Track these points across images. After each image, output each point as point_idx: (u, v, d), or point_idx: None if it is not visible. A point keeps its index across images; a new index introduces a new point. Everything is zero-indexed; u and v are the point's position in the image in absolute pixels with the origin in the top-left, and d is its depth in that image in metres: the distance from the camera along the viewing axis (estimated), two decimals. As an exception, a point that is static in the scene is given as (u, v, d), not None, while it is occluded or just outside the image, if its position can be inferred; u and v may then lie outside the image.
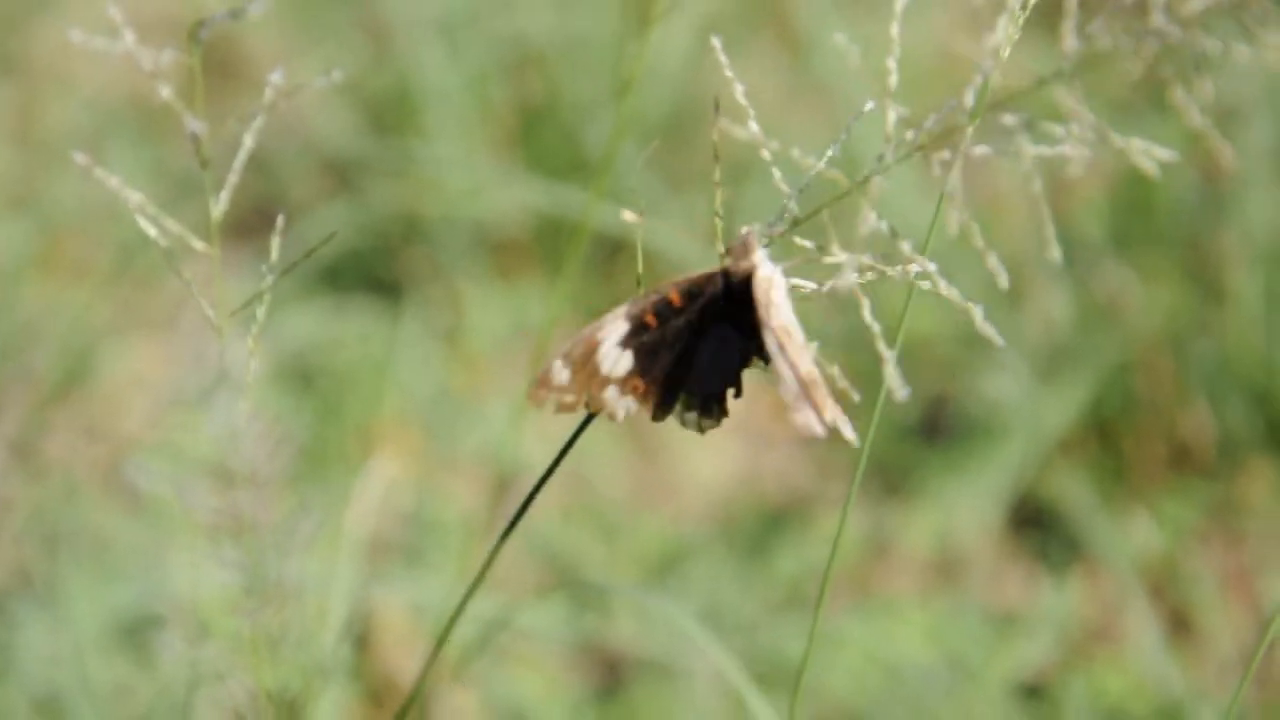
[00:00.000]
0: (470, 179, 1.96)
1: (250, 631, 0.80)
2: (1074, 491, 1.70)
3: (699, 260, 1.81)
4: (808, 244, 0.81)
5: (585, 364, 0.80)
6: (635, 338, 0.80)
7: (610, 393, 0.80)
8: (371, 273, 1.96)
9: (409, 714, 1.01)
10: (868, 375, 1.75)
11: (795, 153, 0.81)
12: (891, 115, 0.77)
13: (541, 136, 2.03)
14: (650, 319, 0.80)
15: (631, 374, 0.80)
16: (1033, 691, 1.59)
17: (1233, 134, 1.90)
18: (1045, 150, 0.76)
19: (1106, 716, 1.56)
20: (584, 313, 1.93)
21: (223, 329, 0.83)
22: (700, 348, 0.81)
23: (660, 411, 0.81)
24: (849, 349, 1.74)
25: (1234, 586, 1.71)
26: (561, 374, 0.80)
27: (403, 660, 1.60)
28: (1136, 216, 1.90)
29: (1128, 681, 1.58)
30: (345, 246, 1.94)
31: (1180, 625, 1.67)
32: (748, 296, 0.80)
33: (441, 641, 0.88)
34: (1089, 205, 1.91)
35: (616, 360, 0.80)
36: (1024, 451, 1.75)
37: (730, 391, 0.82)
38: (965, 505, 1.74)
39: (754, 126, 0.82)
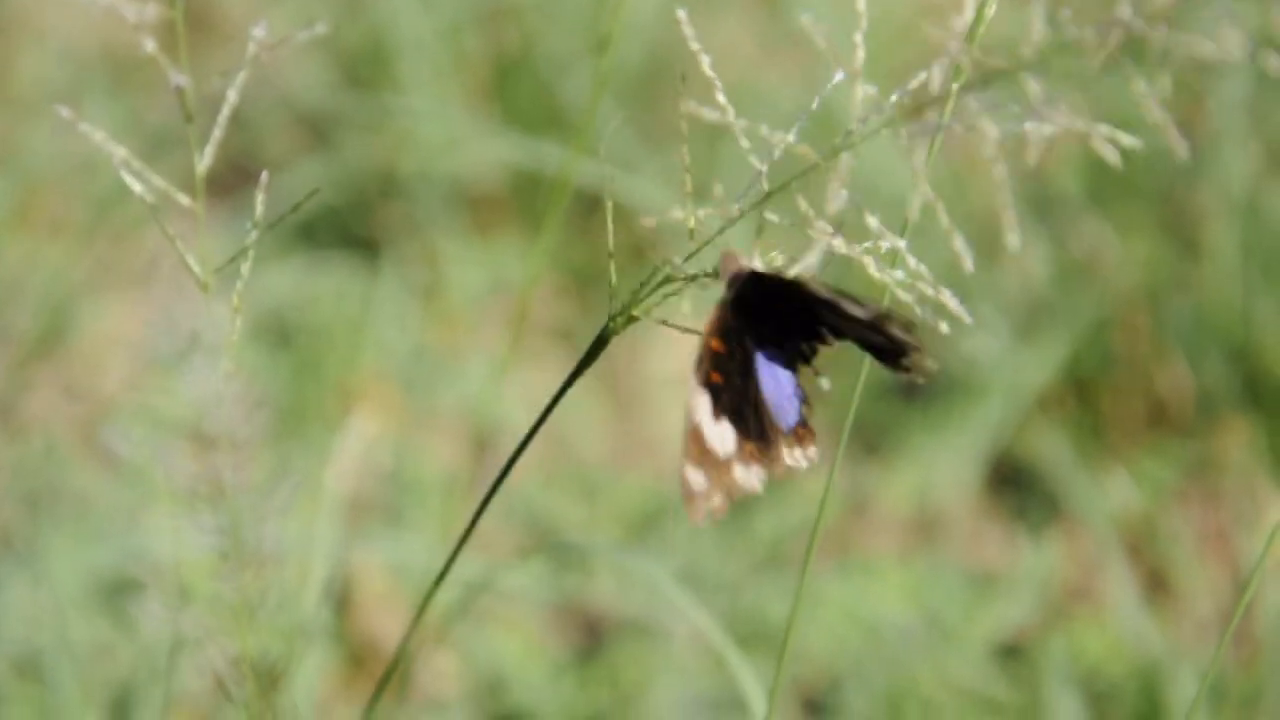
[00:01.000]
0: (446, 132, 1.95)
1: (230, 596, 0.80)
2: (1052, 450, 1.70)
3: (676, 218, 1.80)
4: (774, 218, 0.80)
5: (705, 455, 0.77)
6: (719, 404, 0.78)
7: (739, 472, 0.78)
8: (348, 229, 1.95)
9: (391, 678, 1.01)
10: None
11: (764, 130, 0.80)
12: (859, 91, 0.77)
13: (517, 89, 2.02)
14: (716, 377, 0.78)
15: (741, 442, 0.78)
16: (1011, 651, 1.60)
17: (1208, 88, 1.90)
18: (1012, 126, 0.76)
19: (1085, 676, 1.57)
20: (563, 269, 1.93)
21: (208, 286, 0.82)
22: (759, 385, 0.79)
23: (777, 465, 0.79)
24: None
25: (1211, 545, 1.72)
26: (698, 479, 0.77)
27: (383, 621, 1.60)
28: (1113, 173, 1.90)
29: (1106, 641, 1.58)
30: (321, 203, 1.93)
31: (1158, 584, 1.68)
32: (762, 304, 0.79)
33: (424, 605, 0.88)
34: (1066, 161, 1.91)
35: (722, 438, 0.78)
36: (1002, 410, 1.75)
37: (804, 408, 0.80)
38: (944, 464, 1.74)
39: (721, 99, 0.81)
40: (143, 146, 1.93)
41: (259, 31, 0.83)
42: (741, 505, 1.70)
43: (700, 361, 0.76)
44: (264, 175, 0.84)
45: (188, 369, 0.77)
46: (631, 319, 0.82)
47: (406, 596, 1.60)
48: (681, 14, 0.83)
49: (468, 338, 1.87)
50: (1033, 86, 0.75)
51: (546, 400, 1.85)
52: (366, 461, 1.69)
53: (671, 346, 1.88)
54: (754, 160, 0.80)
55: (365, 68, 2.03)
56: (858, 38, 0.80)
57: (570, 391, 1.90)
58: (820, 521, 0.92)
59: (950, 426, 1.75)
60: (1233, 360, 1.78)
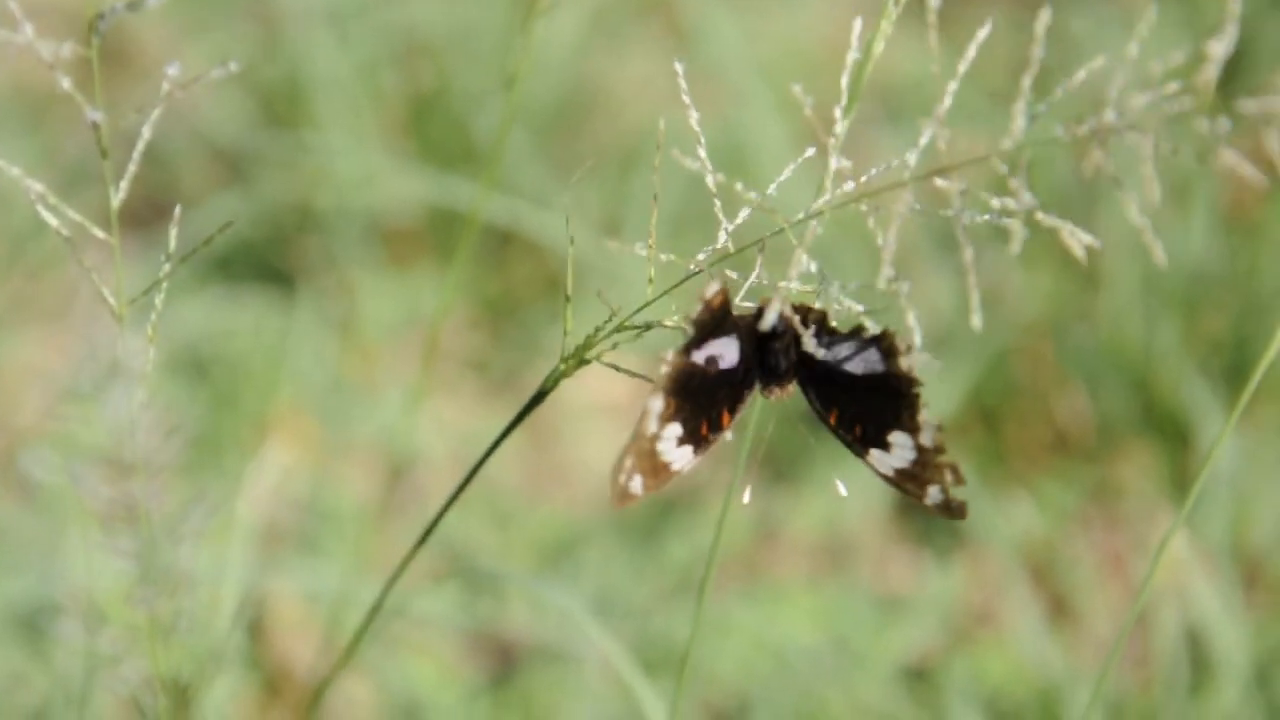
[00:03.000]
0: (362, 168, 1.97)
1: (145, 619, 0.82)
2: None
3: (589, 254, 1.83)
4: (733, 275, 0.83)
5: (657, 468, 0.80)
6: (679, 420, 0.81)
7: (676, 464, 0.81)
8: (264, 262, 1.97)
9: (313, 705, 1.03)
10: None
11: (748, 191, 0.82)
12: (832, 163, 0.79)
13: (432, 125, 2.04)
14: (674, 399, 0.81)
15: (694, 450, 0.81)
16: (917, 673, 1.63)
17: (1105, 152, 1.93)
18: (986, 217, 0.79)
19: (988, 697, 1.60)
20: (476, 302, 1.95)
21: (122, 317, 0.84)
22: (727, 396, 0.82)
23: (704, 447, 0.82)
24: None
25: (1111, 568, 1.75)
26: (638, 485, 0.80)
27: (297, 648, 1.61)
28: (1016, 218, 1.94)
29: (1008, 663, 1.61)
30: (238, 237, 1.95)
31: (1060, 608, 1.71)
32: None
33: (359, 637, 0.90)
34: (969, 195, 1.95)
35: (680, 455, 0.81)
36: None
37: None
38: (852, 491, 1.77)
39: (702, 155, 0.83)
40: (57, 182, 1.94)
41: (172, 70, 0.85)
42: (653, 531, 1.72)
43: (667, 379, 0.79)
44: (177, 209, 0.87)
45: (105, 397, 0.79)
46: (584, 362, 0.84)
47: (320, 624, 1.61)
48: (678, 67, 0.86)
49: (383, 369, 1.89)
50: (1011, 182, 0.78)
51: (459, 431, 1.87)
52: (282, 491, 1.71)
53: (585, 379, 1.91)
54: (722, 217, 0.82)
55: (282, 104, 2.05)
56: (837, 112, 0.82)
57: (487, 422, 1.92)
58: (717, 544, 0.94)
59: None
60: (1132, 388, 1.82)
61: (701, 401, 0.80)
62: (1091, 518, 1.79)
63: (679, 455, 0.80)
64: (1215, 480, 1.66)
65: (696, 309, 0.79)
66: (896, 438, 0.80)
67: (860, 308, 0.82)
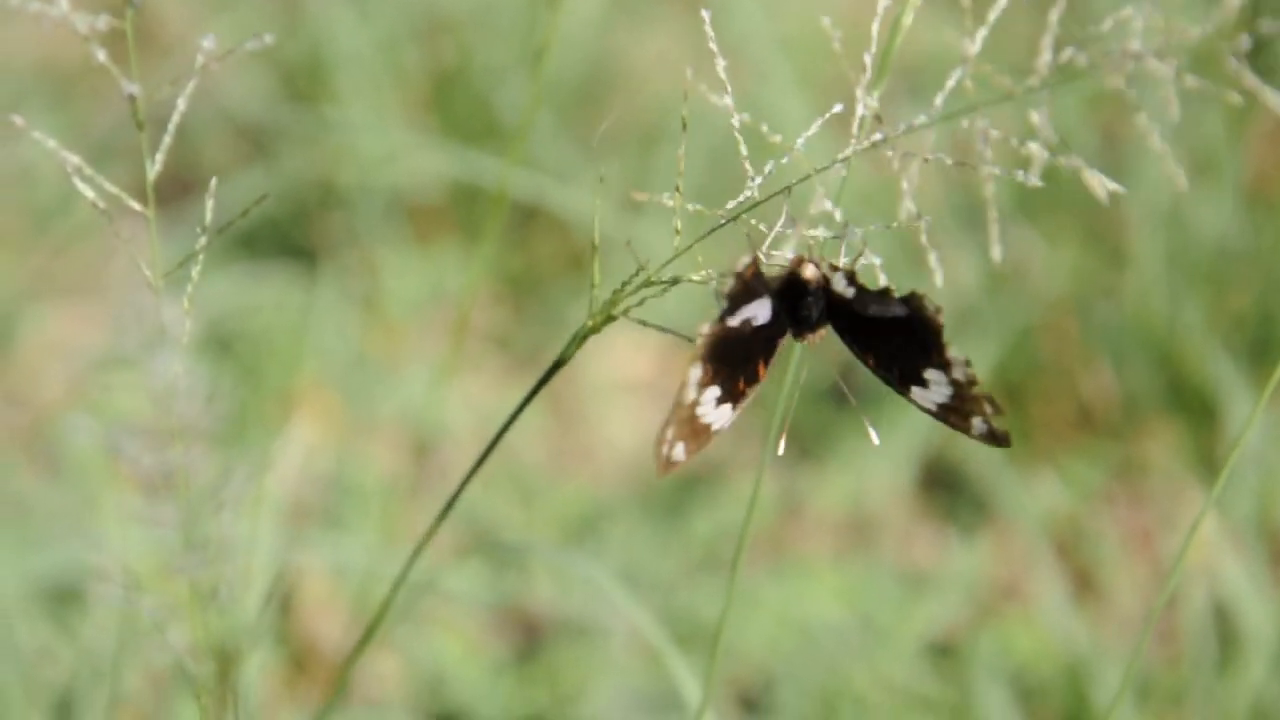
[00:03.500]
0: (384, 145, 1.97)
1: (187, 587, 0.82)
2: (982, 453, 1.73)
3: (611, 227, 1.83)
4: (763, 227, 0.83)
5: (696, 430, 0.82)
6: (718, 380, 0.82)
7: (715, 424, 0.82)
8: (287, 239, 1.97)
9: (341, 681, 1.03)
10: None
11: (777, 136, 0.82)
12: (859, 109, 0.80)
13: (454, 102, 2.04)
14: (714, 359, 0.82)
15: (731, 406, 0.83)
16: (942, 650, 1.63)
17: (1137, 94, 1.93)
18: (998, 170, 0.79)
19: (1014, 673, 1.59)
20: (499, 278, 1.95)
21: (158, 287, 0.84)
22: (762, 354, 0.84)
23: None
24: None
25: (1137, 545, 1.75)
26: (680, 450, 0.81)
27: (324, 624, 1.62)
28: (1038, 176, 1.93)
29: (1035, 639, 1.61)
30: (261, 213, 1.95)
31: (1085, 584, 1.71)
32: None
33: (385, 609, 0.90)
34: (990, 165, 1.94)
35: (719, 414, 0.83)
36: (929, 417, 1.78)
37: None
38: (876, 468, 1.77)
39: (728, 101, 0.84)
40: (85, 158, 1.94)
41: (207, 43, 0.85)
42: (677, 507, 1.72)
43: (704, 347, 0.80)
44: (213, 181, 0.87)
45: (147, 365, 0.79)
46: (610, 318, 0.85)
47: (347, 600, 1.62)
48: (707, 20, 0.87)
49: (407, 346, 1.89)
50: (1034, 117, 0.78)
51: (483, 407, 1.87)
52: (307, 468, 1.71)
53: (608, 356, 1.91)
54: (749, 168, 0.83)
55: (304, 81, 2.05)
56: (866, 58, 0.83)
57: (511, 398, 1.92)
58: (749, 522, 0.94)
59: (882, 431, 1.78)
60: (1157, 365, 1.82)
61: (738, 359, 0.81)
62: (1117, 494, 1.79)
63: (718, 415, 0.81)
64: (1242, 457, 1.65)
65: (729, 282, 0.81)
66: (931, 374, 0.83)
67: (878, 260, 0.83)
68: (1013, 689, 1.57)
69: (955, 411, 0.83)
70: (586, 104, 2.07)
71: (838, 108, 0.84)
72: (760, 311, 0.82)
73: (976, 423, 0.83)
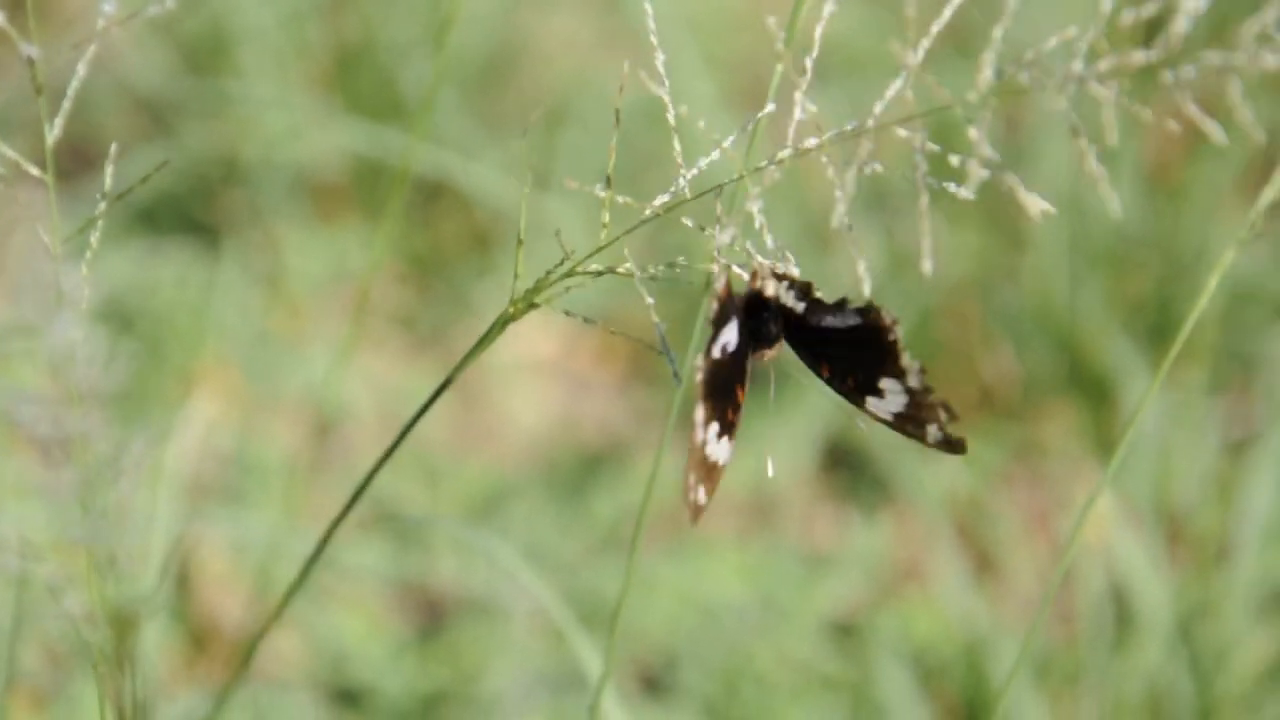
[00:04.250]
0: (287, 120, 1.96)
1: (85, 555, 0.81)
2: (882, 434, 1.74)
3: (514, 207, 1.82)
4: (689, 222, 0.83)
5: (708, 470, 0.81)
6: (716, 417, 0.82)
7: (721, 460, 0.82)
8: (189, 215, 1.95)
9: (246, 659, 1.03)
10: (684, 320, 1.78)
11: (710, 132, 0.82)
12: (798, 113, 0.80)
13: (358, 78, 2.03)
14: (710, 393, 0.81)
15: (729, 440, 0.82)
16: (843, 629, 1.64)
17: (1036, 83, 1.94)
18: (933, 182, 0.79)
19: (915, 652, 1.61)
20: (403, 257, 1.94)
21: (58, 254, 0.84)
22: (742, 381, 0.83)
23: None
24: (671, 296, 1.77)
25: (1035, 526, 1.77)
26: (701, 493, 0.81)
27: (224, 602, 1.61)
28: (943, 165, 1.95)
29: (935, 619, 1.62)
30: (161, 188, 1.93)
31: (985, 564, 1.72)
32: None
33: (294, 589, 0.89)
34: (897, 154, 1.96)
35: (721, 450, 0.82)
36: (832, 396, 1.79)
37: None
38: (778, 448, 1.78)
39: (665, 93, 0.83)
40: (-20, 130, 1.92)
41: (108, 6, 0.84)
42: (579, 488, 1.72)
43: (703, 385, 0.79)
44: (113, 146, 0.86)
45: (45, 331, 0.79)
46: (533, 306, 0.84)
47: (247, 578, 1.61)
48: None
49: (309, 324, 1.88)
50: (972, 132, 0.78)
51: (386, 386, 1.86)
52: (208, 444, 1.70)
53: (514, 336, 1.90)
54: (680, 162, 0.82)
55: (205, 55, 2.03)
56: (808, 62, 0.83)
57: (414, 378, 1.91)
58: (647, 501, 0.94)
59: (784, 411, 1.79)
60: (1057, 348, 1.83)
61: (724, 390, 0.81)
62: (1016, 475, 1.80)
63: (721, 450, 0.81)
64: (1139, 438, 1.67)
65: (711, 307, 0.80)
66: (887, 384, 0.82)
67: (793, 262, 0.83)
68: (913, 668, 1.58)
69: (911, 420, 0.83)
70: (491, 82, 2.06)
71: (771, 107, 0.84)
72: (731, 335, 0.81)
73: (932, 430, 0.83)
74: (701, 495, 0.80)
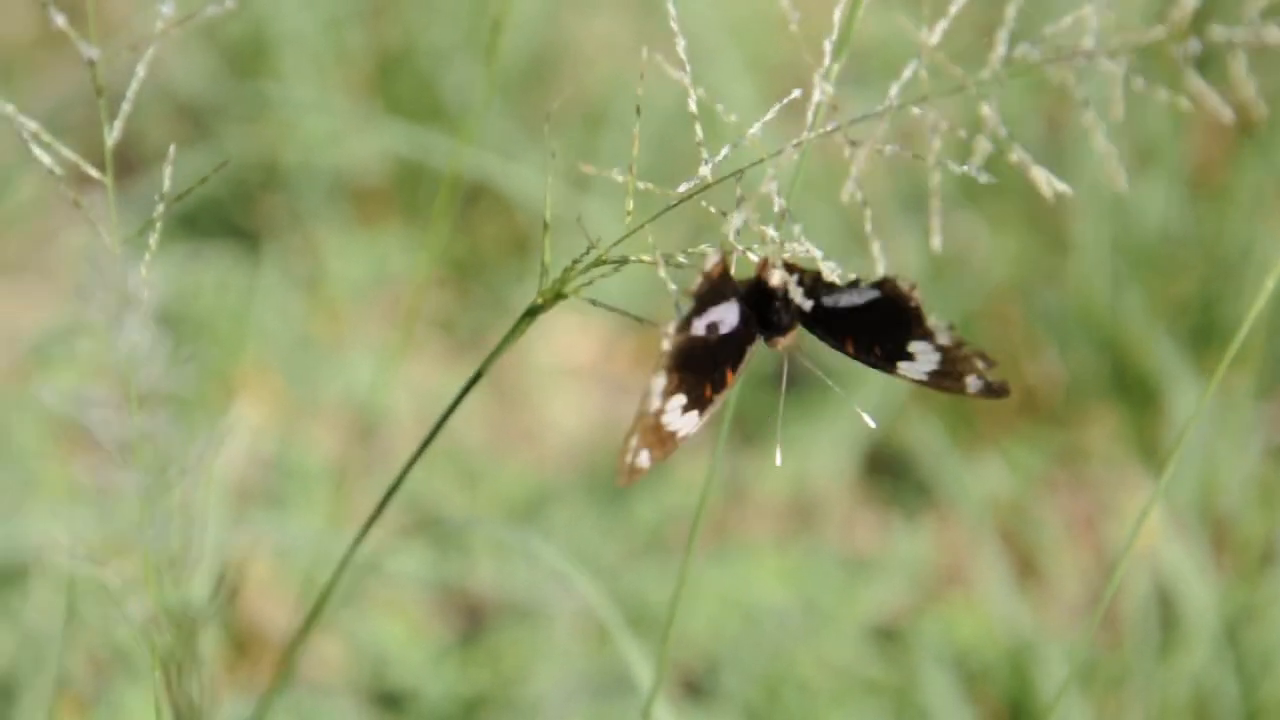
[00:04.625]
0: (329, 124, 1.96)
1: (143, 557, 0.81)
2: (925, 438, 1.74)
3: (557, 207, 1.82)
4: (713, 209, 0.82)
5: (662, 438, 0.81)
6: (682, 388, 0.81)
7: (680, 431, 0.81)
8: (230, 220, 1.96)
9: (288, 663, 1.03)
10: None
11: (733, 116, 0.82)
12: (816, 95, 0.79)
13: (398, 83, 2.03)
14: (678, 365, 0.81)
15: (697, 414, 0.82)
16: (886, 634, 1.63)
17: (1085, 91, 1.94)
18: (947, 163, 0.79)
19: (957, 657, 1.60)
20: (443, 262, 1.94)
21: (118, 254, 0.84)
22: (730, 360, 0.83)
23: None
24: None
25: (1079, 530, 1.76)
26: (645, 457, 0.80)
27: (267, 608, 1.61)
28: (984, 167, 1.94)
29: (978, 623, 1.62)
30: (202, 193, 1.94)
31: (1028, 569, 1.72)
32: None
33: (330, 589, 0.89)
34: (937, 156, 1.95)
35: (684, 421, 0.81)
36: (877, 399, 1.78)
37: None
38: (820, 452, 1.77)
39: (686, 80, 0.83)
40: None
41: (166, 9, 0.84)
42: (621, 492, 1.72)
43: (668, 357, 0.79)
44: (172, 148, 0.86)
45: (110, 331, 0.79)
46: (560, 296, 0.84)
47: (290, 583, 1.61)
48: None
49: (350, 328, 1.88)
50: (985, 110, 0.78)
51: (426, 390, 1.86)
52: (251, 450, 1.70)
53: (552, 339, 1.90)
54: (704, 150, 0.82)
55: (247, 60, 2.04)
56: (826, 45, 0.82)
57: (454, 381, 1.91)
58: (702, 507, 0.94)
59: (826, 415, 1.78)
60: (1100, 351, 1.83)
61: (704, 366, 0.80)
62: (1059, 480, 1.79)
63: (684, 422, 0.81)
64: (1185, 443, 1.66)
65: (696, 281, 0.80)
66: (916, 346, 0.82)
67: (819, 252, 0.82)
68: (956, 673, 1.57)
69: (947, 375, 0.82)
70: (531, 86, 2.06)
71: (796, 93, 0.83)
72: (728, 315, 0.81)
73: (971, 380, 0.82)
74: (644, 458, 0.80)
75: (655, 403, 0.79)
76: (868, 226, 0.81)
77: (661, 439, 0.80)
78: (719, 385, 0.81)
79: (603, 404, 1.87)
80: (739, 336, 0.81)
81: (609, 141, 1.98)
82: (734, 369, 0.81)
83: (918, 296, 0.82)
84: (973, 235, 1.88)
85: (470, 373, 1.88)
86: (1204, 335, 1.83)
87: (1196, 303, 1.84)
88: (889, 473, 1.80)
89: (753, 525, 1.76)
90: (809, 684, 1.55)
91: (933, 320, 0.82)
